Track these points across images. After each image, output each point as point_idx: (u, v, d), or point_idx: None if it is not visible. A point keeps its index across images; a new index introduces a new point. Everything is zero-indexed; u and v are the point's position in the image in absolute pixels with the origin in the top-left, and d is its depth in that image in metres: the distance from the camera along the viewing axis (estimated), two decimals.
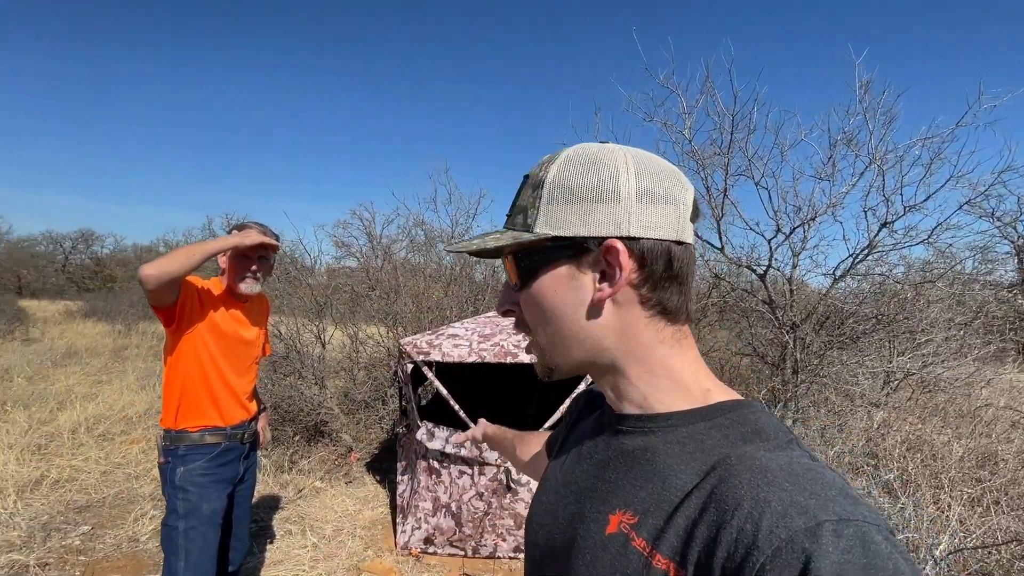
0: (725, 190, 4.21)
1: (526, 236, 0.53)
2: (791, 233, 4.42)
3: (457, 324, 3.70)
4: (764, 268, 4.56)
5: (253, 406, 2.09)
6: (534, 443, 0.96)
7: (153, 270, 1.63)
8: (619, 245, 0.50)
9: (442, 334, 3.44)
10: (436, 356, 3.23)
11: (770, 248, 4.44)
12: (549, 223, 0.52)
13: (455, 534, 2.99)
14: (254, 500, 3.59)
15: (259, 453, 2.22)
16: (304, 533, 3.22)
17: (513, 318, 0.59)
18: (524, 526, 0.67)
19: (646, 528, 0.47)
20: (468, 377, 4.48)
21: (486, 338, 3.34)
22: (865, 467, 4.05)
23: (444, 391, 3.18)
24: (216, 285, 1.97)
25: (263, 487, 3.81)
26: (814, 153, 4.62)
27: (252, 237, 1.85)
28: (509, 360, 3.15)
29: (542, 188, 0.53)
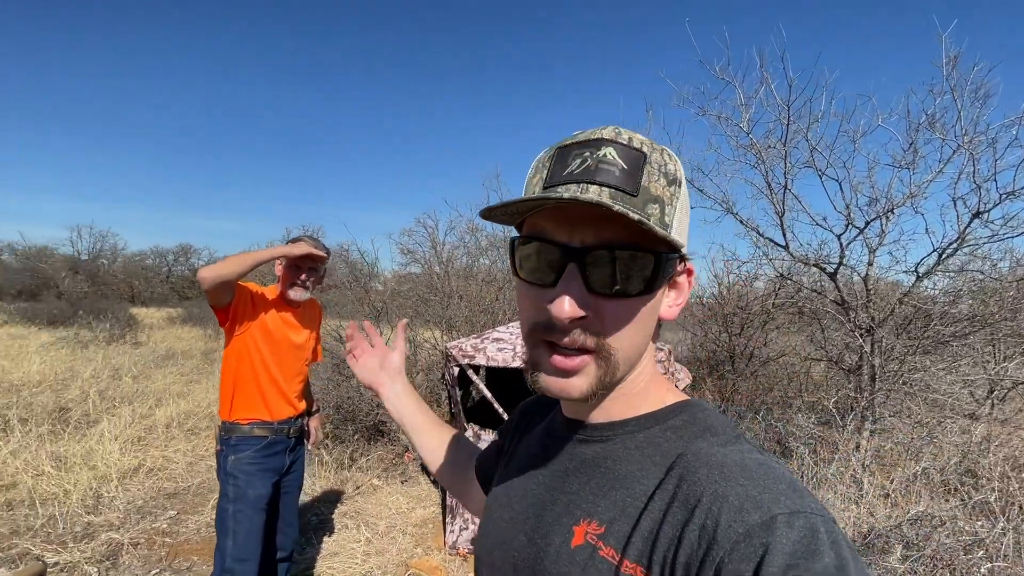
0: (786, 184, 3.94)
1: (675, 239, 0.46)
2: (865, 227, 4.07)
3: (502, 328, 3.73)
4: (834, 266, 4.22)
5: (302, 404, 2.23)
6: (448, 442, 0.88)
7: (209, 272, 1.83)
8: (693, 268, 0.53)
9: (487, 338, 3.49)
10: (481, 360, 3.28)
11: (840, 244, 4.11)
12: (679, 231, 0.48)
13: None
14: (316, 494, 3.81)
15: (308, 447, 2.37)
16: (359, 528, 3.37)
17: (574, 328, 0.46)
18: (475, 548, 0.63)
19: (613, 536, 0.46)
20: (518, 381, 4.51)
21: None
22: (959, 485, 3.63)
23: (488, 394, 3.23)
24: (271, 291, 2.14)
25: (325, 482, 4.04)
26: (890, 139, 4.23)
27: (300, 248, 2.00)
28: None
29: (679, 187, 0.48)
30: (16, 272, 21.96)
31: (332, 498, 3.80)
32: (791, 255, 4.34)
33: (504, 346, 3.35)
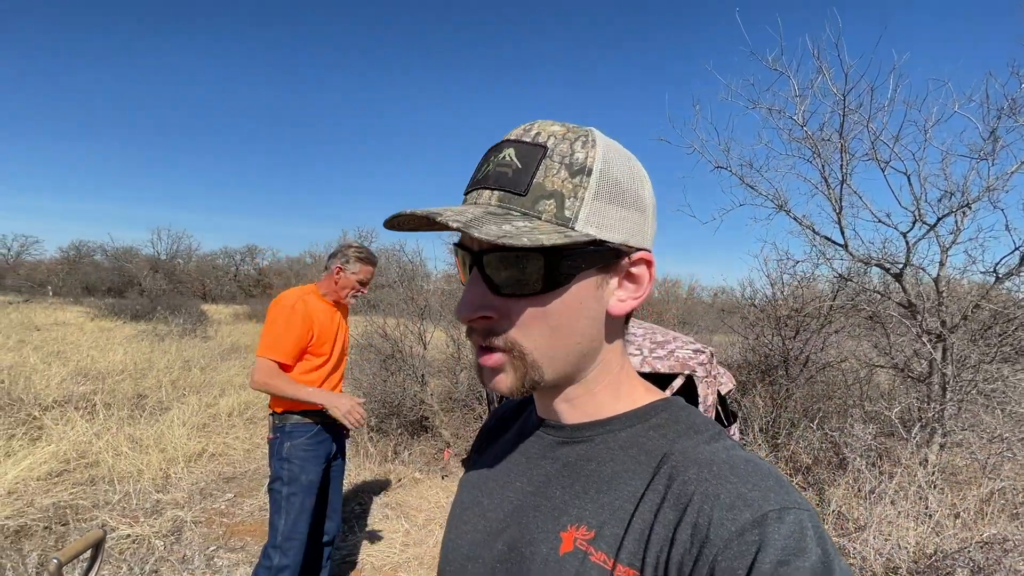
0: (844, 179, 3.71)
1: (574, 234, 0.44)
2: (937, 224, 3.76)
3: None
4: (900, 266, 3.92)
5: (342, 390, 2.36)
6: None
7: (258, 385, 2.05)
8: (652, 257, 0.50)
9: None
10: None
11: (907, 243, 3.82)
12: (594, 222, 0.45)
13: None
14: (360, 485, 3.96)
15: (354, 427, 2.54)
16: (399, 519, 3.48)
17: (475, 325, 0.48)
18: (440, 565, 0.59)
19: (604, 540, 0.45)
20: None
21: (660, 345, 3.27)
22: None
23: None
24: (314, 295, 2.24)
25: (369, 473, 4.19)
26: (967, 127, 3.88)
27: (343, 412, 2.08)
28: None
29: (587, 176, 0.45)
30: (106, 271, 24.15)
31: (375, 489, 3.94)
32: (851, 254, 4.07)
33: (631, 349, 3.28)
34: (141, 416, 5.19)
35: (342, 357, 2.34)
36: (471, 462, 0.68)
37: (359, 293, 2.26)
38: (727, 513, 0.40)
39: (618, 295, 0.49)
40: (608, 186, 0.46)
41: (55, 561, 1.16)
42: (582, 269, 0.46)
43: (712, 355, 3.12)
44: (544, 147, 0.45)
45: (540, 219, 0.44)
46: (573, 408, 0.53)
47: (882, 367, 5.02)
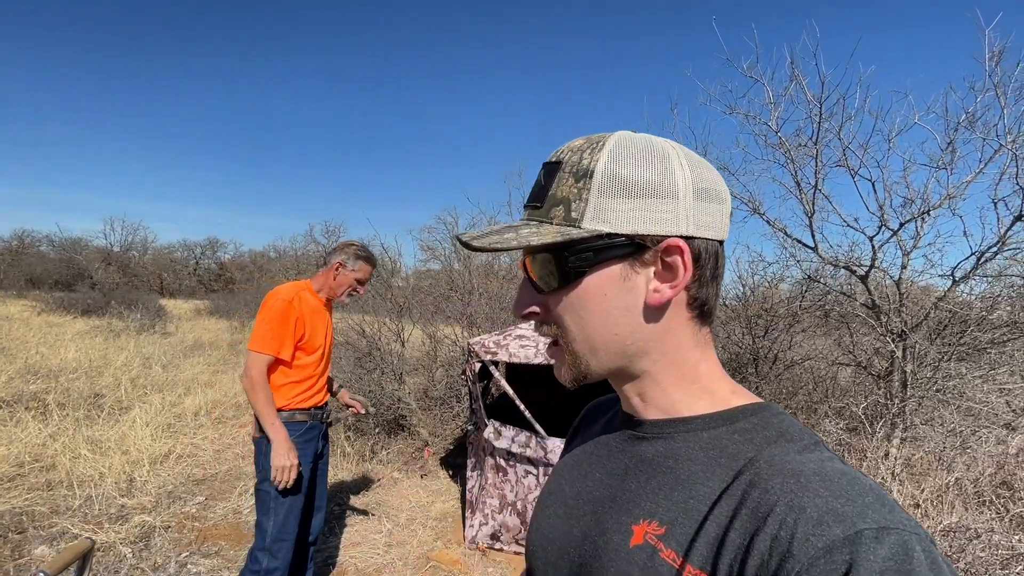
0: (816, 184, 3.86)
1: (575, 232, 0.48)
2: (899, 229, 3.95)
3: (525, 325, 3.74)
4: (866, 268, 4.11)
5: (327, 393, 2.31)
6: None
7: (249, 383, 2.03)
8: (683, 244, 0.48)
9: (510, 334, 3.50)
10: (503, 356, 3.30)
11: (872, 246, 4.00)
12: (600, 218, 0.48)
13: (520, 532, 3.03)
14: (338, 485, 3.88)
15: (367, 411, 2.59)
16: (380, 519, 3.42)
17: (534, 320, 0.54)
18: (527, 545, 0.62)
19: (675, 538, 0.45)
20: (541, 379, 4.51)
21: None
22: (994, 498, 3.51)
23: (510, 391, 3.24)
24: (308, 293, 2.17)
25: (347, 473, 4.11)
26: (927, 139, 4.09)
27: (276, 467, 1.97)
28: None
29: (590, 178, 0.48)
30: (52, 263, 22.76)
31: (354, 489, 3.86)
32: (820, 256, 4.24)
33: (527, 343, 3.36)
34: (99, 416, 4.93)
35: (329, 356, 2.29)
36: (564, 451, 0.71)
37: (355, 292, 2.22)
38: (814, 528, 0.37)
39: (653, 285, 0.49)
40: (611, 182, 0.48)
41: (40, 574, 1.09)
42: (593, 262, 0.49)
43: None
44: (560, 163, 0.51)
45: (551, 224, 0.49)
46: (646, 403, 0.54)
47: (845, 364, 5.26)
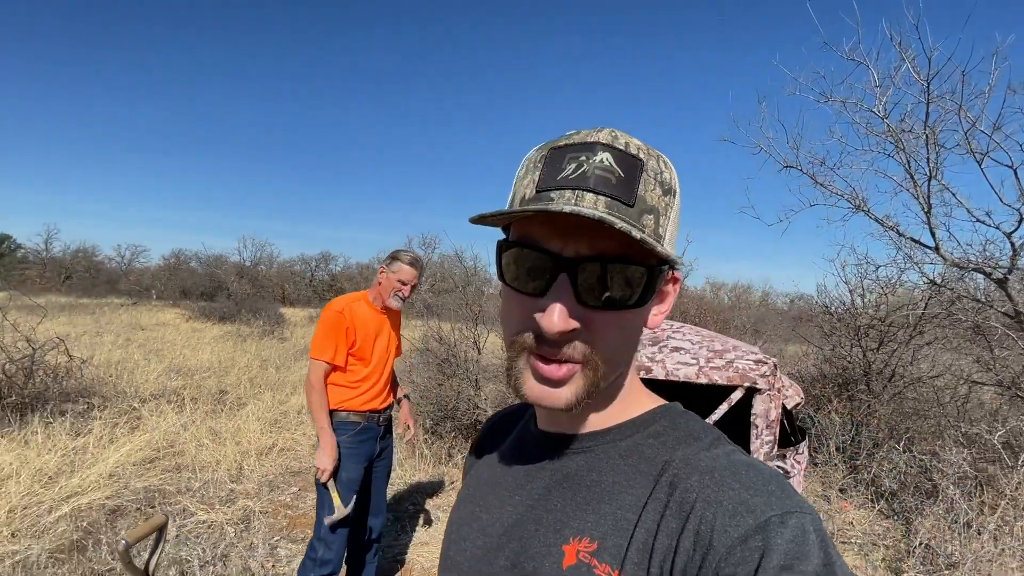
0: (931, 174, 3.35)
1: (668, 250, 0.45)
2: None
3: (680, 335, 3.22)
4: (1004, 271, 3.48)
5: (389, 398, 2.42)
6: None
7: (308, 387, 2.22)
8: (680, 278, 0.53)
9: (666, 347, 2.88)
10: (658, 373, 2.70)
11: (1012, 245, 3.38)
12: (672, 242, 0.48)
13: None
14: (413, 486, 4.06)
15: (404, 438, 2.59)
16: None
17: (566, 340, 0.44)
18: None
19: (608, 552, 0.44)
20: (696, 399, 4.33)
21: (718, 354, 2.99)
22: None
23: None
24: (360, 298, 2.35)
25: (424, 475, 4.29)
26: None
27: (320, 465, 2.15)
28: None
29: (674, 197, 0.47)
30: (199, 276, 26.51)
31: (428, 491, 4.02)
32: (943, 258, 3.67)
33: (686, 358, 2.94)
34: (222, 411, 5.63)
35: (387, 363, 2.40)
36: (466, 476, 0.67)
37: (400, 293, 2.31)
38: (730, 520, 0.40)
39: (654, 310, 0.51)
40: (678, 209, 0.49)
41: (123, 542, 1.27)
42: (661, 285, 0.48)
43: (776, 366, 2.90)
44: (640, 160, 0.45)
45: (644, 234, 0.42)
46: (582, 419, 0.52)
47: (984, 384, 4.48)
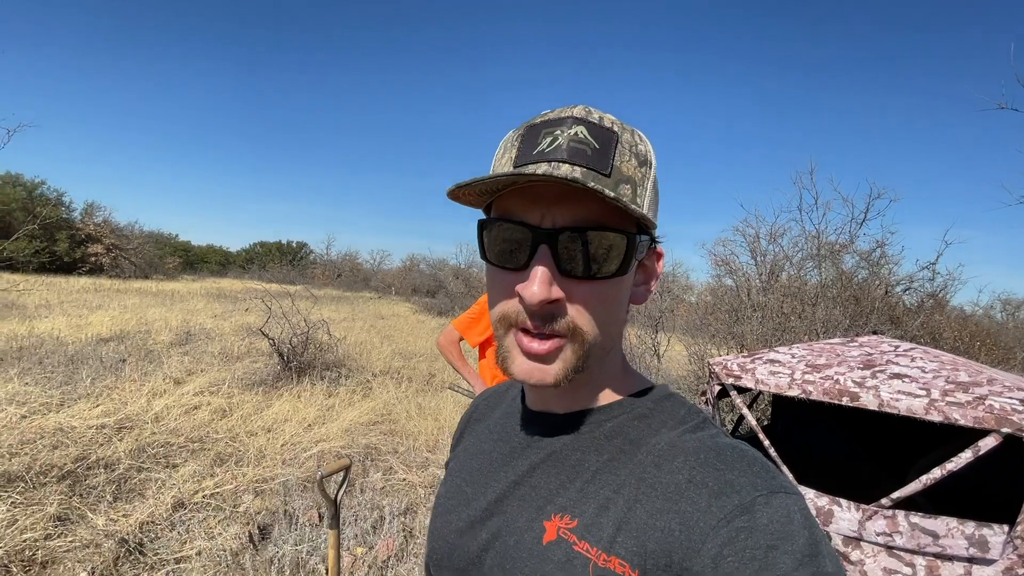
0: None
1: (639, 210, 0.43)
2: None
3: (783, 349, 3.18)
4: None
5: None
6: None
7: (439, 345, 2.45)
8: (663, 252, 0.54)
9: (759, 358, 3.04)
10: (748, 382, 2.89)
11: None
12: (652, 212, 0.48)
13: None
14: None
15: None
16: None
17: (548, 311, 0.44)
18: (427, 550, 0.58)
19: (588, 530, 0.44)
20: (802, 414, 3.74)
21: (816, 369, 2.77)
22: None
23: (751, 419, 2.83)
24: None
25: None
26: None
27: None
28: (846, 401, 2.51)
29: (650, 168, 0.47)
30: (426, 276, 31.22)
31: None
32: None
33: (779, 369, 2.86)
34: (428, 390, 6.59)
35: None
36: (453, 450, 0.69)
37: None
38: (715, 500, 0.40)
39: (639, 281, 0.52)
40: (656, 181, 0.49)
41: (320, 474, 1.64)
42: (641, 255, 0.48)
43: None
44: (614, 132, 0.45)
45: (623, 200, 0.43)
46: (570, 398, 0.52)
47: None
